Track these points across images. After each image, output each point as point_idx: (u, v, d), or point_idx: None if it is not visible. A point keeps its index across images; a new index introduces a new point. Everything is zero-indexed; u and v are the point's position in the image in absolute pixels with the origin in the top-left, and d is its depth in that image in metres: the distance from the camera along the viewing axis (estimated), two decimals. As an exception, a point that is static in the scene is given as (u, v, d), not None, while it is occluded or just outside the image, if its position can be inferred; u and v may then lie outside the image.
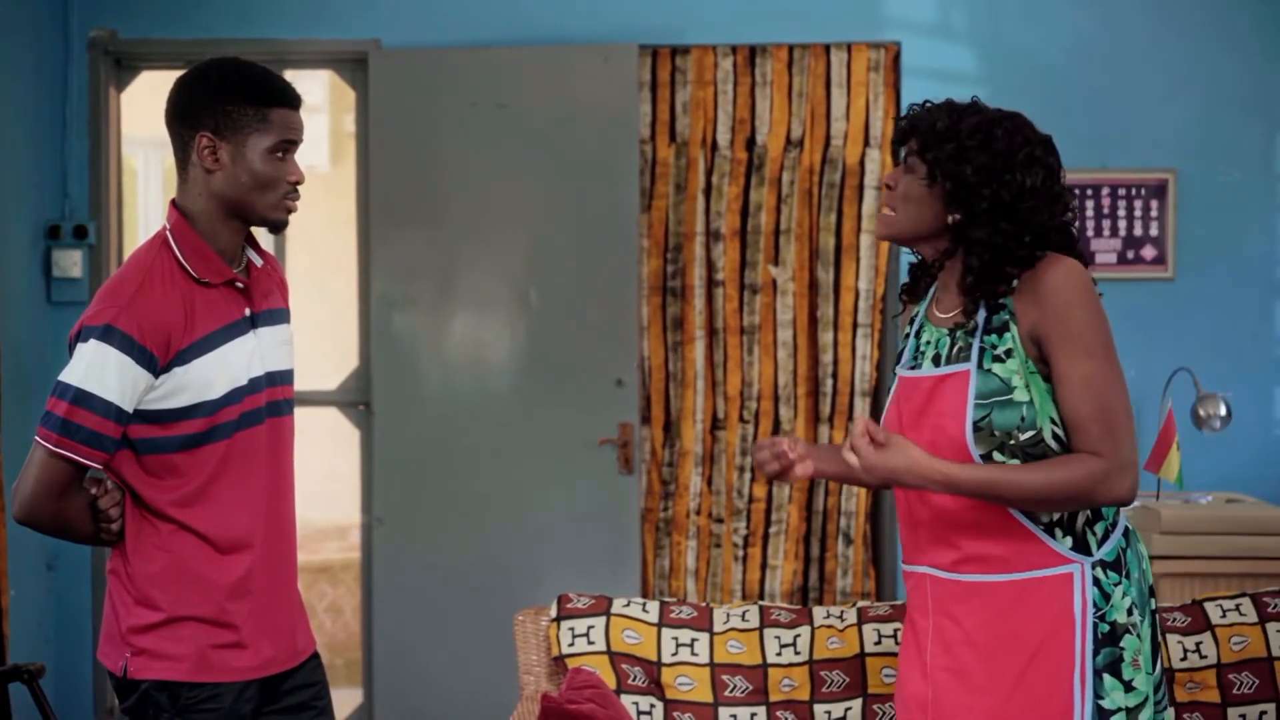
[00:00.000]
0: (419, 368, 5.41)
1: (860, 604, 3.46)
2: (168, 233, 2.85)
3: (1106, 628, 2.67)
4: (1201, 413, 4.97)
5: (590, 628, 3.39)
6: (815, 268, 5.41)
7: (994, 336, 2.71)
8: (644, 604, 3.45)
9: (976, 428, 2.67)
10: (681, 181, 5.44)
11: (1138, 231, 5.35)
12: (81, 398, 2.72)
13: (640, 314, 5.37)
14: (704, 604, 3.47)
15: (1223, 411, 4.96)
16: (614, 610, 3.42)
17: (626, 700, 3.30)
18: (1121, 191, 5.35)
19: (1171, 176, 5.33)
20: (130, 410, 2.75)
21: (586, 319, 5.30)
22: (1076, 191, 5.35)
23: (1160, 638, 3.31)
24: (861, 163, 5.39)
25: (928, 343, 2.82)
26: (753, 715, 3.31)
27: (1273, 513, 4.26)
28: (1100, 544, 2.70)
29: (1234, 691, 3.26)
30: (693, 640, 3.38)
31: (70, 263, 5.42)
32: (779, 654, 3.36)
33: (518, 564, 5.31)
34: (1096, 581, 2.68)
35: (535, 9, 5.43)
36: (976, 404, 2.68)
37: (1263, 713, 3.25)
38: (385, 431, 5.39)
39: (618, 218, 5.27)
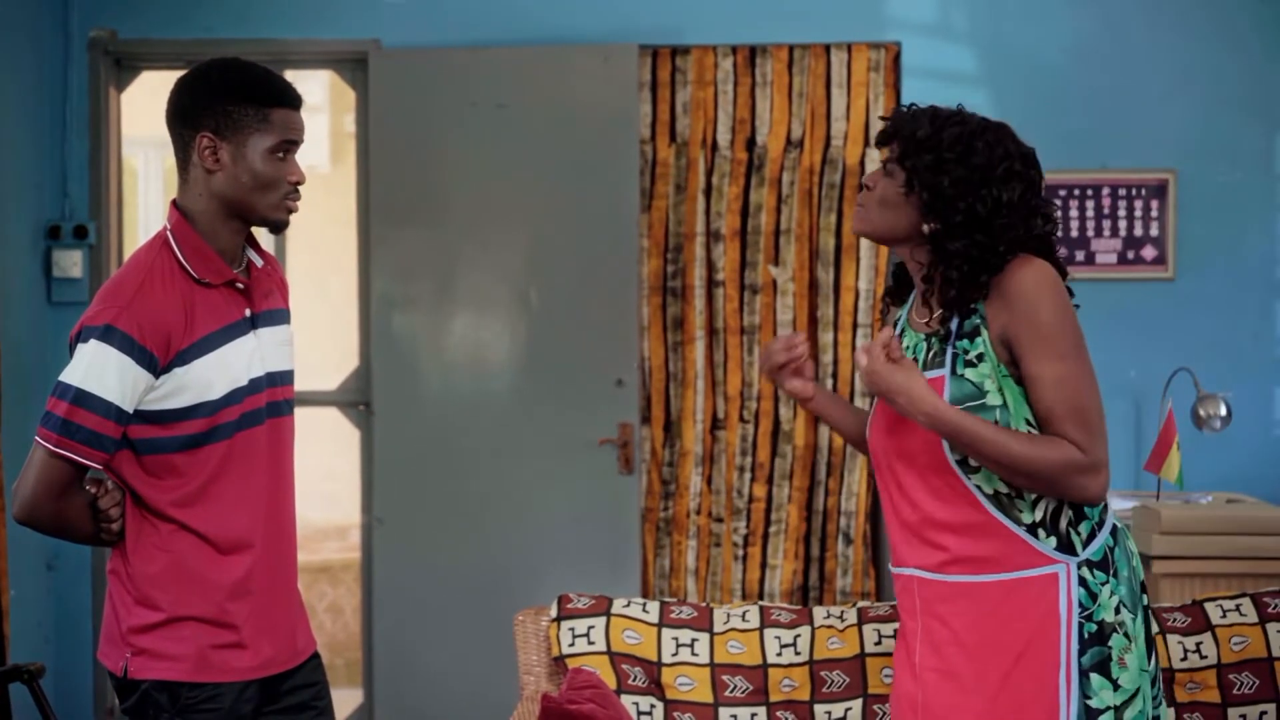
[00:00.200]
0: (419, 368, 5.41)
1: (860, 604, 3.46)
2: (168, 233, 2.85)
3: (1094, 627, 2.68)
4: (1202, 413, 4.97)
5: (590, 628, 3.39)
6: (815, 268, 5.41)
7: (966, 341, 2.72)
8: (644, 604, 3.45)
9: None
10: (682, 182, 5.44)
11: (1138, 231, 5.35)
12: (82, 398, 2.72)
13: (640, 314, 5.37)
14: (704, 604, 3.47)
15: (1223, 412, 4.96)
16: (614, 610, 3.42)
17: (627, 700, 3.30)
18: (1122, 191, 5.35)
19: (1172, 176, 5.33)
20: (130, 410, 2.75)
21: (587, 319, 5.30)
22: (1078, 191, 5.35)
23: (1162, 633, 3.31)
24: (862, 163, 5.39)
25: (907, 347, 2.83)
26: (753, 715, 3.31)
27: (1273, 513, 4.26)
28: (1086, 544, 2.71)
29: (1234, 692, 3.26)
30: (693, 640, 3.38)
31: (70, 263, 5.42)
32: (779, 654, 3.36)
33: (518, 564, 5.31)
34: (1083, 581, 2.69)
35: (535, 9, 5.43)
36: None
37: (1263, 713, 3.25)
38: (385, 431, 5.39)
39: (618, 218, 5.28)
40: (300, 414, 3.18)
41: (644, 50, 5.39)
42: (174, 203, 2.89)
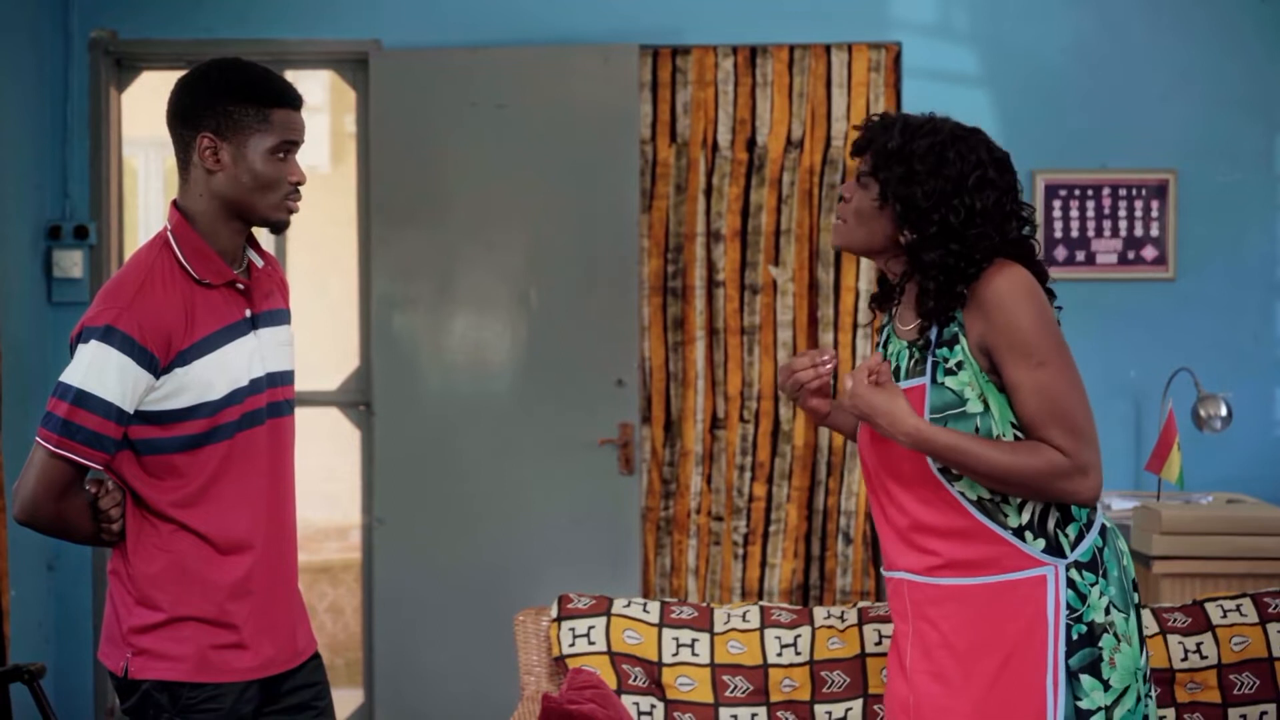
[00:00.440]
0: (419, 368, 5.41)
1: (861, 604, 3.46)
2: (169, 233, 2.85)
3: (1084, 628, 2.69)
4: (1202, 413, 4.97)
5: (591, 628, 3.39)
6: (815, 268, 5.42)
7: (945, 349, 2.73)
8: (644, 604, 3.45)
9: None
10: (682, 182, 5.44)
11: (1138, 232, 5.35)
12: (82, 398, 2.72)
13: (641, 314, 5.37)
14: (704, 604, 3.47)
15: (1223, 412, 4.96)
16: (614, 610, 3.42)
17: (627, 700, 3.30)
18: (1122, 192, 5.35)
19: (1172, 177, 5.33)
20: (131, 411, 2.75)
21: (587, 319, 5.30)
22: (1078, 192, 5.35)
23: (1162, 633, 3.31)
24: (862, 163, 5.38)
25: (892, 354, 2.84)
26: (753, 715, 3.31)
27: (1273, 513, 4.26)
28: (1074, 546, 2.72)
29: (1235, 692, 3.26)
30: (693, 640, 3.38)
31: (71, 263, 5.42)
32: (780, 654, 3.36)
33: (518, 564, 5.31)
34: (1072, 583, 2.69)
35: (535, 9, 5.43)
36: (931, 418, 2.71)
37: (1263, 713, 3.25)
38: (386, 432, 5.39)
39: (618, 218, 5.28)
40: (300, 414, 3.18)
41: (644, 50, 5.39)
42: (174, 203, 2.89)
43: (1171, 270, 5.34)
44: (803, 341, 5.41)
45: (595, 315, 5.29)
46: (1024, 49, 5.38)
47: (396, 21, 5.46)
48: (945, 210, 2.70)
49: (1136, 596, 2.78)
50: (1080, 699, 2.68)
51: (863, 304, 5.38)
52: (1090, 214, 5.35)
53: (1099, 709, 2.68)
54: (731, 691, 3.33)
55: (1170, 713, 3.24)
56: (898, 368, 2.81)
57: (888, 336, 2.89)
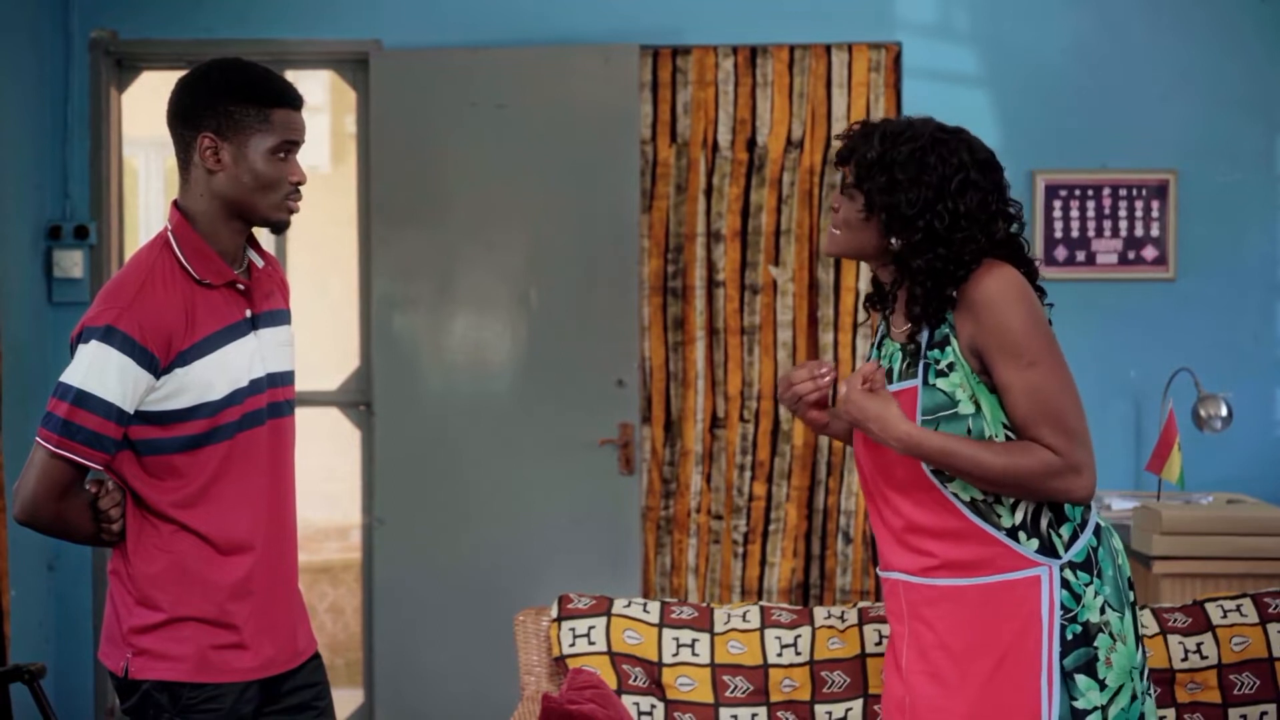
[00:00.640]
0: (419, 368, 5.41)
1: (861, 604, 3.46)
2: (169, 234, 2.85)
3: (1079, 628, 2.69)
4: (1202, 413, 4.97)
5: (591, 628, 3.39)
6: (815, 268, 5.42)
7: (937, 351, 2.73)
8: (645, 604, 3.45)
9: None
10: (682, 182, 5.44)
11: (1139, 232, 5.35)
12: (82, 398, 2.72)
13: (641, 314, 5.37)
14: (705, 604, 3.47)
15: (1224, 412, 4.96)
16: (615, 610, 3.42)
17: (627, 701, 3.30)
18: (1122, 192, 5.35)
19: (1172, 177, 5.33)
20: (131, 411, 2.75)
21: (587, 319, 5.30)
22: (1078, 192, 5.35)
23: (1163, 633, 3.31)
24: (862, 163, 5.38)
25: (886, 356, 2.85)
26: (754, 716, 3.31)
27: (1274, 513, 4.26)
28: (1068, 546, 2.72)
29: (1235, 692, 3.26)
30: (693, 640, 3.38)
31: (71, 263, 5.42)
32: (780, 654, 3.36)
33: (518, 564, 5.31)
34: (1066, 583, 2.70)
35: (535, 9, 5.43)
36: (923, 420, 2.71)
37: (1263, 713, 3.25)
38: (386, 432, 5.39)
39: (618, 218, 5.28)
40: (301, 414, 3.18)
41: (645, 50, 5.39)
42: (175, 203, 2.89)
43: (1172, 270, 5.34)
44: (803, 341, 5.41)
45: (595, 315, 5.30)
46: (1024, 49, 5.38)
47: (397, 21, 5.46)
48: (930, 216, 2.69)
49: (1132, 595, 2.79)
50: (1076, 699, 2.68)
51: (862, 304, 5.37)
52: (1090, 214, 5.35)
53: (1095, 708, 2.68)
54: (732, 692, 3.33)
55: (1170, 713, 3.24)
56: (891, 369, 2.81)
57: (882, 338, 2.89)
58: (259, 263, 2.97)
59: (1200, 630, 3.32)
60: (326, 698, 3.06)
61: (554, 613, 3.44)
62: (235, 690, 2.85)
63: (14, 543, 4.84)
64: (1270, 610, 3.35)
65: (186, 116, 2.84)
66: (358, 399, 5.58)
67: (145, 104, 5.55)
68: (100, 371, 2.72)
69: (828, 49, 5.40)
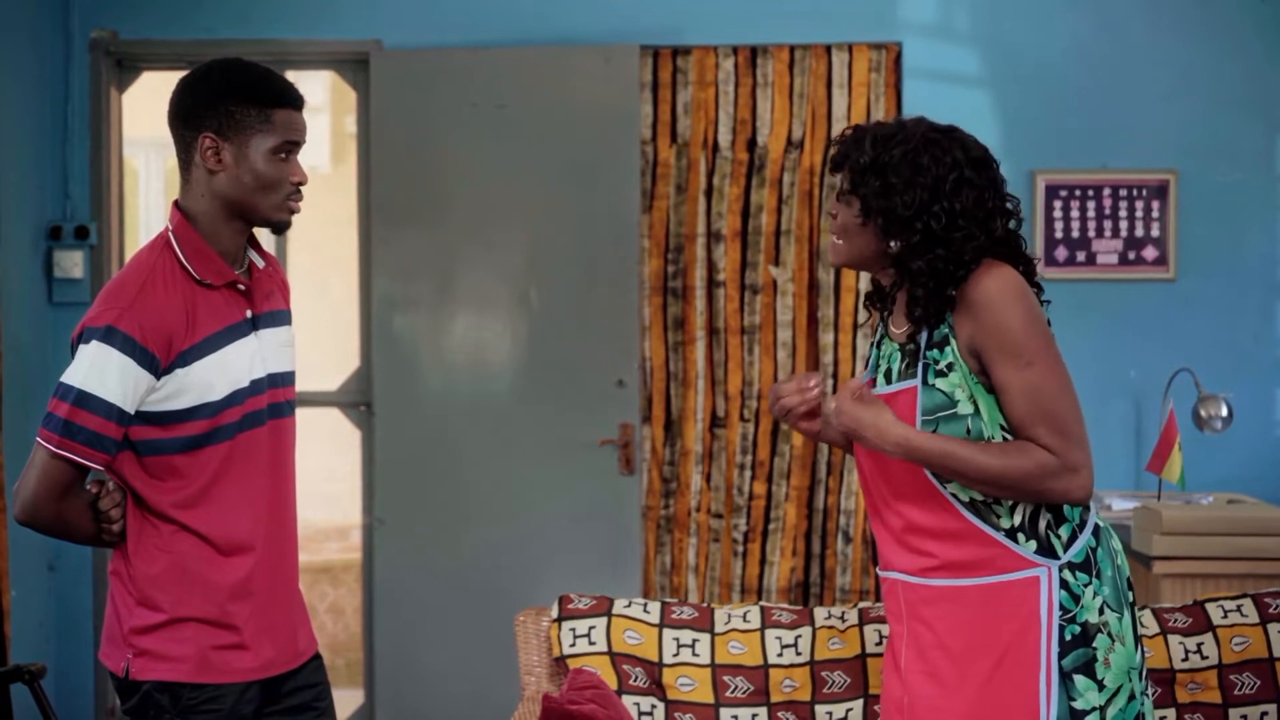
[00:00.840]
0: (420, 368, 5.41)
1: (861, 605, 3.46)
2: (170, 234, 2.85)
3: (1077, 629, 2.69)
4: (1203, 413, 4.97)
5: (591, 628, 3.39)
6: (815, 268, 5.42)
7: (936, 351, 2.73)
8: (645, 604, 3.45)
9: None
10: (683, 182, 5.44)
11: (1139, 232, 5.35)
12: (83, 399, 2.72)
13: (641, 314, 5.37)
14: (705, 605, 3.48)
15: (1224, 412, 4.96)
16: (615, 611, 3.42)
17: (628, 701, 3.30)
18: (1123, 192, 5.35)
19: (1172, 177, 5.33)
20: (132, 411, 2.75)
21: (587, 319, 5.30)
22: (1078, 192, 5.35)
23: (1163, 633, 3.31)
24: (862, 163, 5.38)
25: (885, 356, 2.85)
26: (754, 716, 3.31)
27: (1274, 513, 4.26)
28: (1067, 547, 2.72)
29: (1235, 692, 3.26)
30: (694, 641, 3.38)
31: (71, 263, 5.42)
32: (780, 655, 3.36)
33: (519, 564, 5.31)
34: (1065, 584, 2.70)
35: (536, 9, 5.43)
36: (923, 420, 2.71)
37: (1264, 713, 3.25)
38: (386, 432, 5.39)
39: (619, 218, 5.28)
40: (301, 414, 3.18)
41: (645, 51, 5.39)
42: (176, 204, 2.89)
43: (1172, 271, 5.34)
44: (802, 341, 5.41)
45: (596, 315, 5.30)
46: (1024, 49, 5.38)
47: (397, 21, 5.46)
48: (927, 217, 2.69)
49: (1131, 596, 2.79)
50: (1075, 699, 2.68)
51: (862, 304, 5.37)
52: (1091, 214, 5.35)
53: (1093, 709, 2.68)
54: (732, 692, 3.33)
55: (1171, 713, 3.24)
56: (890, 369, 2.82)
57: (881, 338, 2.89)
58: (260, 263, 2.97)
59: (1201, 630, 3.32)
60: (327, 698, 3.06)
61: (554, 613, 3.44)
62: (236, 691, 2.85)
63: (14, 543, 4.84)
64: (1271, 610, 3.35)
65: (187, 117, 2.84)
66: (358, 399, 5.58)
67: (145, 104, 5.55)
68: (101, 372, 2.72)
69: (828, 49, 5.40)
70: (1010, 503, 2.71)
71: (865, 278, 5.36)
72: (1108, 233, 5.35)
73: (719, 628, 3.41)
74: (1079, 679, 2.68)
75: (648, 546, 5.44)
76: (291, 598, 2.98)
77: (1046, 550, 2.71)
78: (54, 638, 5.43)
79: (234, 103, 2.81)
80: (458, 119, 5.34)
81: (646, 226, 5.43)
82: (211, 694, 2.83)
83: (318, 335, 5.98)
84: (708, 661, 3.36)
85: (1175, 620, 3.35)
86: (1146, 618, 3.34)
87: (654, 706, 3.32)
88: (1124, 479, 5.23)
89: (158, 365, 2.75)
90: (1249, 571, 4.11)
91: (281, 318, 2.99)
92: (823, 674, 3.34)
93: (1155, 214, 5.34)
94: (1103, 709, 2.69)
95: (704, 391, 5.45)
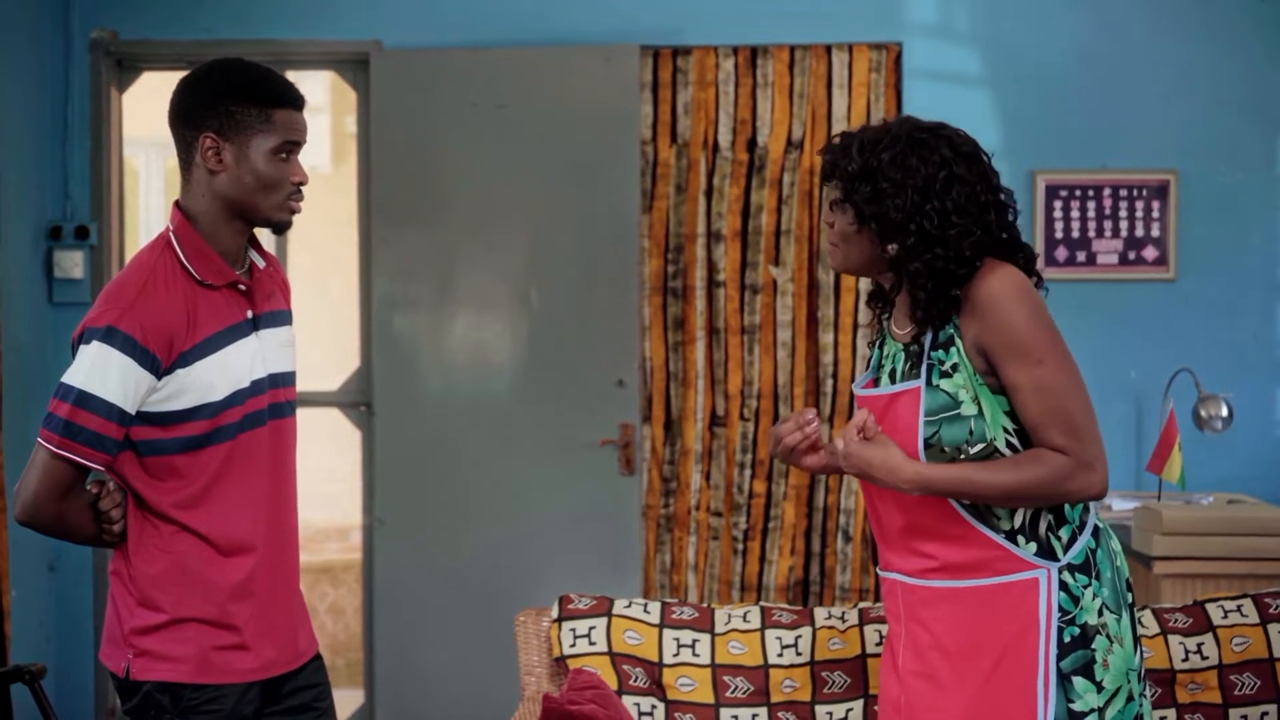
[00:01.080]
0: (420, 368, 5.41)
1: (861, 605, 3.46)
2: (170, 234, 2.85)
3: (1076, 630, 2.69)
4: (1203, 414, 4.97)
5: (591, 628, 3.39)
6: (815, 268, 5.42)
7: (940, 352, 2.72)
8: (645, 605, 3.45)
9: (928, 444, 2.69)
10: (683, 182, 5.44)
11: (1139, 232, 5.35)
12: (84, 399, 2.72)
13: (641, 314, 5.37)
14: (705, 605, 3.48)
15: (1224, 412, 4.96)
16: (615, 611, 3.43)
17: (628, 701, 3.30)
18: (1123, 192, 5.35)
19: (1173, 177, 5.33)
20: (132, 412, 2.75)
21: (587, 319, 5.30)
22: (1078, 192, 5.35)
23: (1163, 633, 3.31)
24: (862, 163, 5.38)
25: (887, 356, 2.84)
26: (754, 716, 3.31)
27: (1274, 513, 4.26)
28: (1066, 548, 2.72)
29: (1235, 692, 3.26)
30: (694, 641, 3.38)
31: (72, 264, 5.42)
32: (780, 655, 3.36)
33: (519, 565, 5.31)
34: (1065, 585, 2.69)
35: (536, 9, 5.43)
36: (926, 421, 2.70)
37: (1264, 714, 3.25)
38: (386, 432, 5.39)
39: (619, 218, 5.28)
40: (301, 415, 3.18)
41: (645, 51, 5.39)
42: (176, 204, 2.89)
43: (1172, 271, 5.35)
44: (802, 341, 5.41)
45: (596, 315, 5.30)
46: (1024, 49, 5.39)
47: (397, 22, 5.46)
48: (920, 218, 2.68)
49: (1130, 597, 2.79)
50: (1073, 701, 2.68)
51: (863, 304, 5.37)
52: (1091, 214, 5.35)
53: (1092, 710, 2.68)
54: (732, 692, 3.33)
55: (1171, 713, 3.24)
56: (894, 370, 2.81)
57: (883, 338, 2.89)
58: (260, 263, 2.97)
59: (1201, 631, 3.32)
60: (328, 699, 3.06)
61: (554, 613, 3.44)
62: (236, 691, 2.85)
63: (15, 543, 4.84)
64: (1271, 610, 3.35)
65: (188, 117, 2.84)
66: (358, 399, 5.58)
67: (146, 104, 5.55)
68: (102, 372, 2.72)
69: (828, 49, 5.40)
70: None
71: (866, 278, 5.36)
72: (1108, 233, 5.35)
73: (719, 628, 3.41)
74: (1078, 680, 2.68)
75: (648, 546, 5.44)
76: (292, 598, 2.98)
77: (1046, 552, 2.71)
78: (54, 638, 5.43)
79: (235, 103, 2.81)
80: (458, 119, 5.34)
81: (646, 226, 5.43)
82: (212, 694, 2.83)
83: (318, 335, 5.98)
84: (708, 662, 3.36)
85: (1175, 620, 3.35)
86: (1147, 618, 3.34)
87: (654, 707, 3.32)
88: (1124, 479, 5.22)
89: (159, 366, 2.75)
90: (1249, 572, 4.11)
91: (282, 318, 2.99)
92: (823, 674, 3.34)
93: (1155, 214, 5.34)
94: (1101, 710, 2.69)
95: (704, 391, 5.45)
